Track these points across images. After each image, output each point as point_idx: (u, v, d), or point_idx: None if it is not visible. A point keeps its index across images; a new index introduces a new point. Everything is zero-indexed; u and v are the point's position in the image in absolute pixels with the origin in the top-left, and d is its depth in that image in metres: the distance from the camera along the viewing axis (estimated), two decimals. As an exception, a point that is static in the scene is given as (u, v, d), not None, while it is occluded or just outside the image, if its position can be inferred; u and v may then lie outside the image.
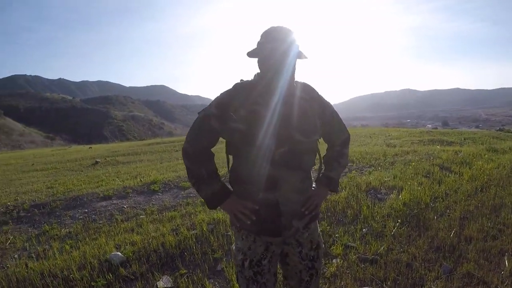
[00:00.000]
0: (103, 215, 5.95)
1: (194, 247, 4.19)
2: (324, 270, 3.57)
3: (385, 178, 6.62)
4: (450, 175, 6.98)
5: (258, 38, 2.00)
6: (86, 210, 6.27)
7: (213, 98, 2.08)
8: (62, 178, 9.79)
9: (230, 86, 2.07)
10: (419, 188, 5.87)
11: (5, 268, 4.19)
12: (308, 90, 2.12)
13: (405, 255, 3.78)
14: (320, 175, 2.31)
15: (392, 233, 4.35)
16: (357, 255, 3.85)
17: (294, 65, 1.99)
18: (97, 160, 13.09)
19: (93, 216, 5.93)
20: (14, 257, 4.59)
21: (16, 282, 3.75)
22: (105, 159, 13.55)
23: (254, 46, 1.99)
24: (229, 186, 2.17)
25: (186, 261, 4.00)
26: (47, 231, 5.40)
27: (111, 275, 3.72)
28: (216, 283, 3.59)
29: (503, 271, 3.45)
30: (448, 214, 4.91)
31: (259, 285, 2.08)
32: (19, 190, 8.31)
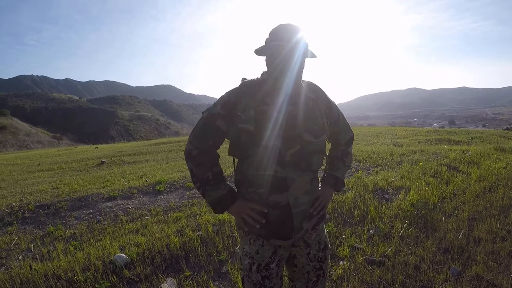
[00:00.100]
0: (107, 215, 5.93)
1: (199, 249, 4.16)
2: (331, 272, 3.52)
3: (392, 178, 6.55)
4: (458, 175, 6.90)
5: (267, 36, 1.96)
6: (91, 210, 6.25)
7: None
8: (68, 179, 9.80)
9: (235, 85, 2.02)
10: (426, 188, 5.81)
11: (9, 270, 4.18)
12: (314, 90, 2.08)
13: (413, 257, 3.72)
14: (326, 174, 2.28)
15: (400, 234, 4.29)
16: (364, 257, 3.79)
17: (301, 65, 1.94)
18: (103, 160, 13.09)
19: (98, 217, 5.91)
20: (18, 258, 4.59)
21: (20, 283, 3.74)
22: (111, 159, 13.55)
23: (261, 43, 1.96)
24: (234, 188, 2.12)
25: (190, 263, 3.96)
26: (52, 232, 5.39)
27: (115, 277, 3.69)
28: (221, 285, 3.55)
29: (512, 273, 3.39)
30: (456, 215, 4.85)
31: None
32: (24, 191, 8.32)
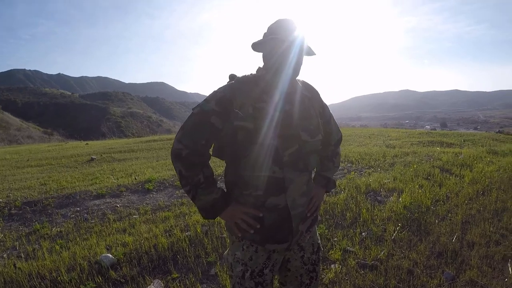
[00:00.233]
0: (95, 214, 5.82)
1: (187, 250, 4.06)
2: (322, 276, 3.44)
3: (385, 180, 6.49)
4: (450, 177, 6.86)
5: (265, 31, 1.90)
6: (78, 208, 6.14)
7: None
8: (56, 175, 9.65)
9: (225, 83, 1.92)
10: (419, 190, 5.76)
11: (-8, 268, 4.06)
12: (309, 88, 2.03)
13: (406, 261, 3.65)
14: (317, 175, 2.23)
15: (393, 237, 4.22)
16: (356, 261, 3.71)
17: (299, 62, 1.85)
18: (93, 157, 12.93)
19: (85, 215, 5.80)
20: (3, 256, 4.48)
21: (3, 283, 3.64)
22: (101, 156, 13.40)
23: (255, 43, 1.89)
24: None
25: (178, 264, 3.86)
26: (38, 229, 5.28)
27: (100, 278, 3.59)
28: (209, 288, 3.46)
29: (506, 278, 3.35)
30: (449, 218, 4.80)
31: None
32: (12, 187, 8.18)
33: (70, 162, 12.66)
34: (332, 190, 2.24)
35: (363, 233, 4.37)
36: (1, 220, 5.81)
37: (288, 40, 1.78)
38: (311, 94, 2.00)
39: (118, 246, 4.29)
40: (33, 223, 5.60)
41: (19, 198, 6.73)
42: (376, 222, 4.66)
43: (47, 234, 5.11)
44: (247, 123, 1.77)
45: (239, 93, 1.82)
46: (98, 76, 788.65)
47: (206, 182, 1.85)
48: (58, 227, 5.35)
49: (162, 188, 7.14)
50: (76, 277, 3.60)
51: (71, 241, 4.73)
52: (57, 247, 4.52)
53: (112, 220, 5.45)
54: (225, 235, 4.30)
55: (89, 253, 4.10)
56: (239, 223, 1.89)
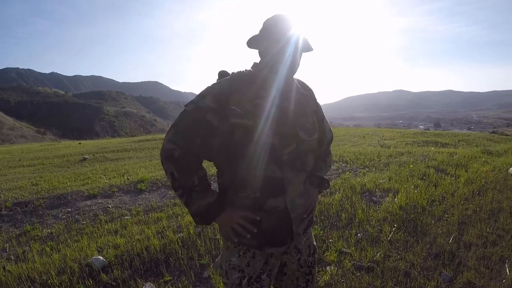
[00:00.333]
0: (86, 215, 5.72)
1: (180, 252, 3.97)
2: (318, 278, 3.38)
3: (380, 180, 6.45)
4: (446, 177, 6.83)
5: (261, 26, 1.84)
6: (70, 209, 6.04)
7: None
8: (48, 175, 9.53)
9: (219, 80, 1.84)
10: (415, 191, 5.72)
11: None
12: (304, 87, 1.97)
13: (402, 263, 3.60)
14: (310, 175, 2.13)
15: (389, 238, 4.16)
16: (352, 262, 3.65)
17: (293, 61, 1.77)
18: (85, 156, 12.83)
19: (76, 216, 5.70)
20: (-8, 258, 4.38)
21: (-9, 286, 3.54)
22: (94, 155, 13.30)
23: (251, 40, 1.82)
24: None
25: (171, 266, 3.78)
26: (29, 231, 5.19)
27: (91, 281, 3.51)
28: (203, 291, 3.39)
29: (504, 279, 3.31)
30: (446, 219, 4.76)
31: None
32: (3, 187, 8.06)
33: (62, 161, 12.55)
34: (326, 189, 2.18)
35: (358, 234, 4.32)
36: (-9, 221, 5.71)
37: (284, 38, 1.72)
38: (307, 92, 1.95)
39: (109, 248, 4.20)
40: (24, 224, 5.50)
41: (9, 199, 6.62)
42: (371, 223, 4.61)
43: (37, 235, 5.01)
44: (245, 121, 1.68)
45: (236, 89, 1.73)
46: (92, 75, 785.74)
47: (200, 185, 1.75)
48: (49, 229, 5.25)
49: (154, 188, 7.06)
50: (66, 280, 3.51)
51: (61, 243, 4.64)
52: (48, 249, 4.43)
53: (103, 221, 5.36)
54: (218, 237, 4.22)
55: (80, 255, 4.01)
56: (235, 227, 1.79)
